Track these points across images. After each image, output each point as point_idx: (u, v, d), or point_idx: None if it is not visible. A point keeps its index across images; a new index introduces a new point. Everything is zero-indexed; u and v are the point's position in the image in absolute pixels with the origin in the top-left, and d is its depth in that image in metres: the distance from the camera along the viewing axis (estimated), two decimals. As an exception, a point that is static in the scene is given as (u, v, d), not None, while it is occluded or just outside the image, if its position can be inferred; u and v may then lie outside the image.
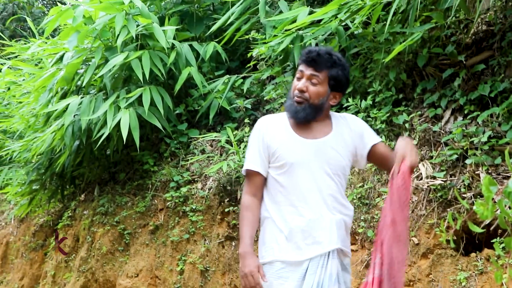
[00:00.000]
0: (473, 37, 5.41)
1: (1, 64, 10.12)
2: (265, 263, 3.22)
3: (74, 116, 7.01)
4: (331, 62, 3.21)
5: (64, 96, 7.54)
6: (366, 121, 5.38)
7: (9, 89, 9.61)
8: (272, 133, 3.27)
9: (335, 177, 3.24)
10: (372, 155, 3.34)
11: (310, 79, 3.21)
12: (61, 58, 7.46)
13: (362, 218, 5.10)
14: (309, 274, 3.11)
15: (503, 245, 4.02)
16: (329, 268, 3.11)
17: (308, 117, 3.22)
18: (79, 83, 7.45)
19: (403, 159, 3.08)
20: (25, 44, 10.24)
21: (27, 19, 10.39)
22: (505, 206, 3.09)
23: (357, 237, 5.11)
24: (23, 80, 9.11)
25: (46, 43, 8.71)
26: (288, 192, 3.19)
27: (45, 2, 17.04)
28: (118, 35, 6.61)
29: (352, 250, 5.10)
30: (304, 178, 3.18)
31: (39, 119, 7.84)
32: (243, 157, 6.01)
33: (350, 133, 3.32)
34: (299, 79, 3.25)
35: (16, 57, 9.71)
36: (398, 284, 3.05)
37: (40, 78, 7.61)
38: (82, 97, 7.03)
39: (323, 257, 3.13)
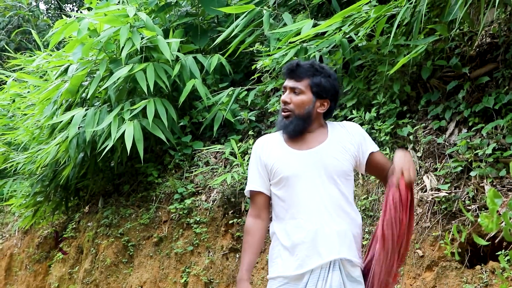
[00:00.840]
0: (477, 49, 5.42)
1: (6, 76, 10.15)
2: (270, 278, 3.22)
3: (78, 128, 7.03)
4: (312, 70, 3.21)
5: (68, 108, 7.56)
6: (370, 133, 5.39)
7: (14, 101, 9.65)
8: (268, 151, 3.27)
9: (336, 183, 3.19)
10: (369, 164, 3.31)
11: (293, 90, 3.21)
12: (66, 70, 7.49)
13: (366, 230, 5.09)
14: (309, 287, 3.09)
15: (508, 257, 4.01)
16: (329, 280, 3.06)
17: (297, 128, 3.21)
18: (83, 95, 7.46)
19: (402, 174, 3.07)
20: (30, 56, 10.29)
21: (32, 31, 10.43)
22: (510, 218, 3.09)
23: (362, 250, 5.09)
24: (28, 92, 9.14)
25: (51, 55, 8.75)
26: (289, 206, 3.18)
27: (50, 15, 17.11)
28: (123, 47, 6.64)
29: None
30: (302, 190, 3.16)
31: (44, 131, 7.85)
32: (247, 169, 6.02)
33: (349, 137, 3.29)
34: (284, 92, 3.27)
35: (21, 69, 9.75)
36: None
37: (45, 90, 7.64)
38: (86, 109, 7.04)
39: (324, 269, 3.08)
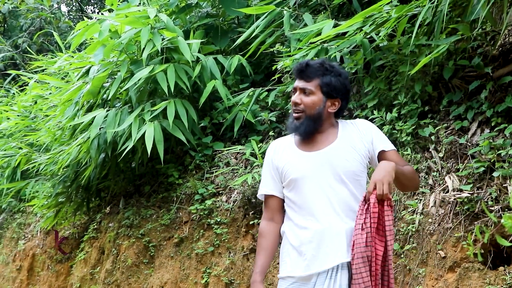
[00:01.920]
0: (500, 48, 5.37)
1: (29, 78, 10.23)
2: (280, 278, 3.22)
3: (99, 129, 7.06)
4: (322, 70, 3.19)
5: (90, 109, 7.60)
6: (392, 134, 5.37)
7: (36, 102, 9.73)
8: (279, 155, 3.28)
9: (345, 183, 3.17)
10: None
11: (303, 91, 3.19)
12: (87, 71, 7.53)
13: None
14: (318, 285, 3.07)
15: (532, 259, 3.97)
16: (339, 279, 3.05)
17: (308, 129, 3.20)
18: (104, 96, 7.51)
19: (375, 188, 3.01)
20: (52, 58, 10.36)
21: (54, 33, 10.51)
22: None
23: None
24: (50, 93, 9.20)
25: (72, 57, 8.80)
26: (298, 207, 3.18)
27: (71, 17, 17.23)
28: (144, 48, 6.66)
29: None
30: (310, 191, 3.15)
31: (65, 132, 7.90)
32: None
33: (360, 135, 3.26)
34: (294, 93, 3.25)
35: (43, 71, 9.83)
36: None
37: (66, 92, 7.69)
38: (107, 110, 7.08)
39: (333, 268, 3.07)
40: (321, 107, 3.19)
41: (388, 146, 3.30)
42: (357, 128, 3.29)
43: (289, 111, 3.36)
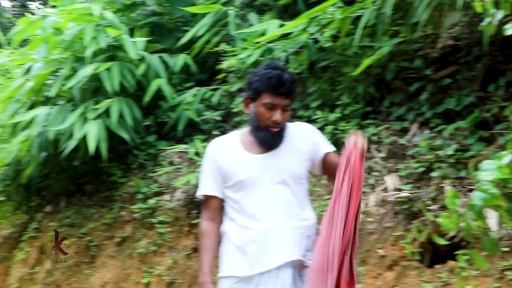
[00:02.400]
0: (440, 51, 5.48)
1: (-32, 74, 10.00)
2: (221, 277, 3.20)
3: (42, 127, 6.95)
4: (293, 83, 3.18)
5: (32, 107, 7.46)
6: (334, 134, 5.43)
7: (-25, 99, 9.50)
8: (223, 155, 3.22)
9: (289, 186, 3.17)
10: (325, 164, 3.28)
11: (284, 109, 3.14)
12: (30, 68, 7.40)
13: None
14: (261, 285, 3.07)
15: (466, 257, 4.06)
16: (281, 278, 3.04)
17: (281, 141, 3.19)
18: (47, 94, 7.38)
19: (355, 144, 3.06)
20: (-7, 54, 10.14)
21: (-4, 29, 10.29)
22: (469, 218, 3.13)
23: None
24: (-10, 90, 9.00)
25: (14, 53, 8.63)
26: (242, 208, 3.15)
27: (14, 12, 16.92)
28: (88, 46, 6.58)
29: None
30: (257, 193, 3.14)
31: (6, 129, 7.75)
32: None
33: (304, 140, 3.26)
34: (270, 109, 3.12)
35: (-17, 67, 9.61)
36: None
37: (8, 89, 7.53)
38: (50, 108, 6.97)
39: (275, 267, 3.06)
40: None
41: (331, 147, 3.34)
42: (300, 132, 3.29)
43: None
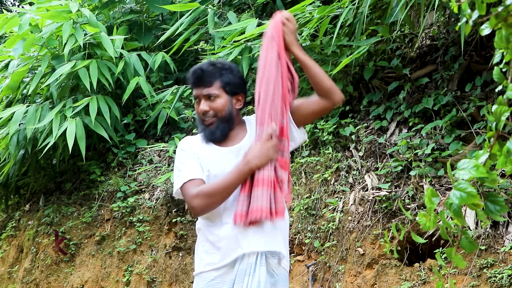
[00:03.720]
0: (418, 51, 5.53)
1: None
2: (196, 274, 3.18)
3: (19, 125, 6.91)
4: (217, 71, 3.13)
5: (9, 105, 7.43)
6: (313, 133, 5.46)
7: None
8: (196, 149, 3.15)
9: None
10: (296, 116, 3.17)
11: (208, 97, 3.11)
12: (7, 66, 7.35)
13: (309, 228, 5.14)
14: (237, 283, 3.06)
15: (444, 255, 4.11)
16: (257, 275, 3.01)
17: (224, 132, 3.14)
18: (25, 91, 7.34)
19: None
20: (-31, 51, 10.05)
21: (-28, 25, 10.19)
22: (447, 217, 3.17)
23: (303, 248, 5.15)
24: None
25: (-10, 50, 8.56)
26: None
27: (-10, 9, 16.75)
28: (65, 43, 6.55)
29: (298, 261, 5.16)
30: None
31: (-17, 127, 7.69)
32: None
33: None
34: (198, 103, 3.15)
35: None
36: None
37: (-16, 86, 7.48)
38: (27, 106, 6.94)
39: (250, 264, 3.03)
40: (230, 107, 3.14)
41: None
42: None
43: (197, 121, 3.23)
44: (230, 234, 3.07)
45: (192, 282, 5.57)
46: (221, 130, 3.13)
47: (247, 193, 3.02)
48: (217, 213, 3.12)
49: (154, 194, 6.49)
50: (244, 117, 3.29)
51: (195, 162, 3.15)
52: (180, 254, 6.04)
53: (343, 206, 5.06)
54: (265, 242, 3.05)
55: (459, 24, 2.23)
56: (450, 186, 4.49)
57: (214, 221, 3.13)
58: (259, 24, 5.77)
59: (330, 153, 5.35)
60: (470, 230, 4.32)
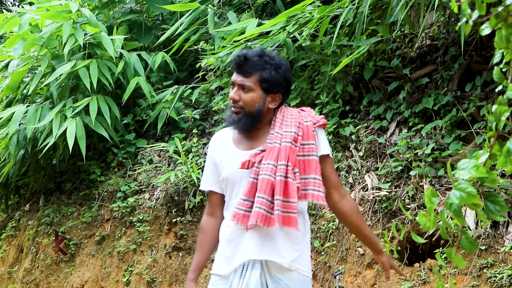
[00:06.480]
0: (418, 51, 5.53)
1: None
2: (211, 273, 3.20)
3: (19, 125, 6.91)
4: (261, 64, 2.98)
5: (9, 105, 7.43)
6: (313, 133, 5.45)
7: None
8: (218, 149, 3.15)
9: None
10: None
11: (242, 87, 3.00)
12: (7, 66, 7.35)
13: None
14: (233, 287, 3.04)
15: (444, 255, 4.11)
16: (246, 279, 2.96)
17: (246, 126, 3.04)
18: (24, 91, 7.34)
19: None
20: (-31, 51, 10.04)
21: (-28, 25, 10.19)
22: (447, 217, 3.17)
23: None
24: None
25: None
26: (227, 206, 3.11)
27: (-10, 9, 16.75)
28: (65, 43, 6.55)
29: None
30: (235, 190, 3.07)
31: (-17, 127, 7.69)
32: (191, 167, 6.01)
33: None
34: (232, 88, 3.04)
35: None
36: None
37: (-16, 86, 7.48)
38: (27, 106, 6.93)
39: (244, 268, 3.00)
40: (261, 104, 3.01)
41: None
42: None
43: (228, 104, 3.19)
44: (230, 239, 3.05)
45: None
46: (243, 123, 3.04)
47: (252, 196, 2.97)
48: (228, 215, 3.09)
49: (154, 194, 6.49)
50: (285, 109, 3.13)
51: (209, 169, 3.19)
52: (180, 254, 6.04)
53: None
54: (260, 250, 2.98)
55: (459, 24, 2.23)
56: (450, 186, 4.49)
57: (225, 223, 3.12)
58: (259, 24, 5.78)
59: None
60: (470, 230, 4.32)
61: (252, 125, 3.05)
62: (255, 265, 2.98)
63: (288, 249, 3.00)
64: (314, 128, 3.04)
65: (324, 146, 3.06)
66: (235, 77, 3.03)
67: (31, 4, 8.01)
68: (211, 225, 3.18)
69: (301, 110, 3.13)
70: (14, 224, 8.01)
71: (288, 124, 3.04)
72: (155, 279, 6.09)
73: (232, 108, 3.06)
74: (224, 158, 3.12)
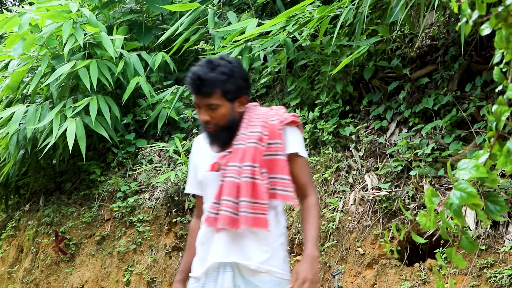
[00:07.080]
0: (418, 51, 5.53)
1: None
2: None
3: (19, 125, 6.91)
4: (217, 78, 2.91)
5: (9, 105, 7.43)
6: (313, 133, 5.46)
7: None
8: (197, 152, 3.15)
9: None
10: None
11: (209, 107, 2.93)
12: (7, 66, 7.35)
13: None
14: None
15: (445, 255, 4.11)
16: (220, 282, 2.93)
17: (226, 138, 2.99)
18: (24, 91, 7.34)
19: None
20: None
21: (-29, 25, 10.19)
22: (447, 217, 3.17)
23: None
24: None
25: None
26: (205, 208, 3.07)
27: (-10, 9, 16.75)
28: (65, 43, 6.55)
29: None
30: (210, 193, 3.02)
31: (-17, 127, 7.69)
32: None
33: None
34: (199, 111, 2.98)
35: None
36: None
37: (-16, 86, 7.48)
38: (27, 106, 6.94)
39: (216, 270, 2.96)
40: (232, 114, 2.97)
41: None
42: None
43: (200, 125, 3.12)
44: (202, 241, 3.06)
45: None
46: (223, 138, 3.00)
47: (220, 199, 2.95)
48: (201, 220, 3.08)
49: (154, 194, 6.49)
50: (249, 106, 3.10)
51: (191, 172, 3.20)
52: (180, 254, 6.04)
53: (343, 206, 5.06)
54: (230, 253, 2.95)
55: (459, 24, 2.23)
56: (450, 186, 4.49)
57: (201, 227, 3.12)
58: (259, 24, 5.78)
59: (330, 153, 5.35)
60: (470, 230, 4.32)
61: (232, 135, 3.01)
62: (226, 268, 2.95)
63: (257, 251, 2.94)
64: (281, 126, 2.97)
65: (292, 145, 2.98)
66: (198, 100, 2.95)
67: (31, 4, 8.01)
68: (198, 227, 3.15)
69: (271, 109, 3.08)
70: (14, 224, 8.01)
71: (255, 124, 3.00)
72: (155, 279, 6.09)
73: (207, 128, 3.00)
74: (200, 161, 3.10)
